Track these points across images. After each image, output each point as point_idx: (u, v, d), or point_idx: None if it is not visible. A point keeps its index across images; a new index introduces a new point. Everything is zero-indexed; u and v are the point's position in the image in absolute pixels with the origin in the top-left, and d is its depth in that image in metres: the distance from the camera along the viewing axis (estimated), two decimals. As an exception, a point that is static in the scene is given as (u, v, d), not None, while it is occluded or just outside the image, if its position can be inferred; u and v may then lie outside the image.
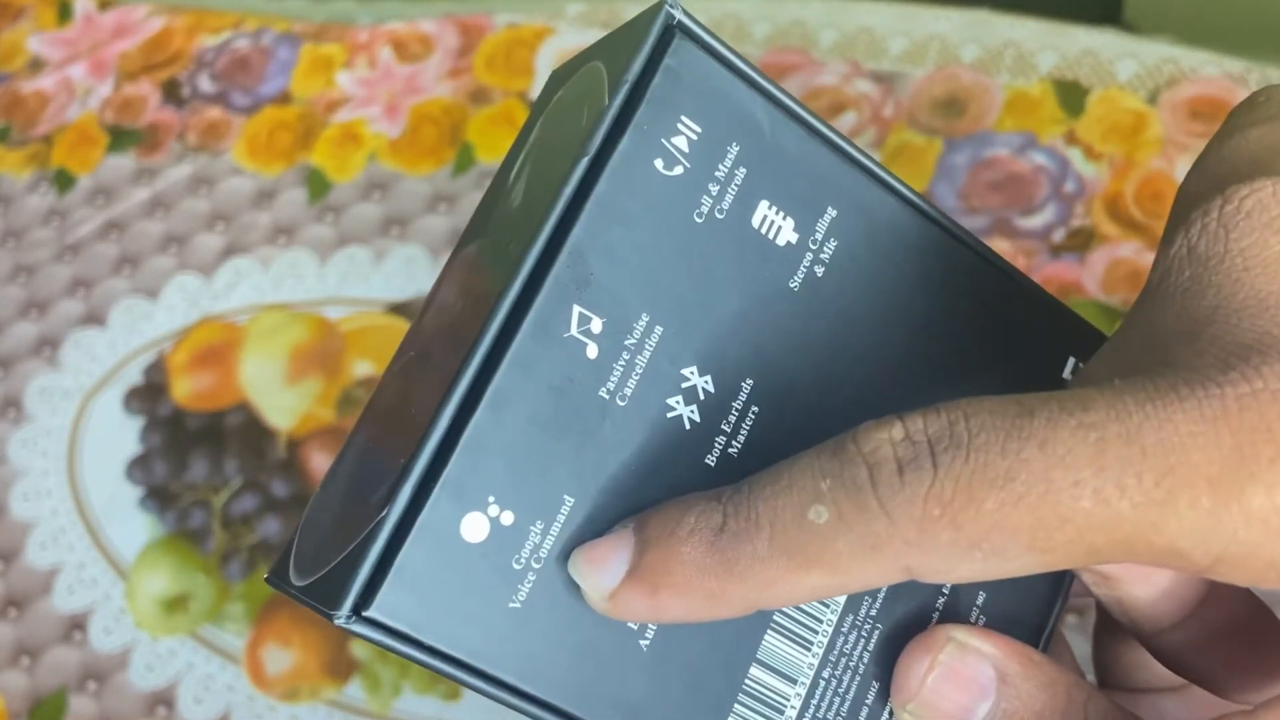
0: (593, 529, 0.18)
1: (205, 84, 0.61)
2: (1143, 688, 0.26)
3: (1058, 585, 0.23)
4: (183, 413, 0.52)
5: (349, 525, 0.18)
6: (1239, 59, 0.49)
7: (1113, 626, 0.25)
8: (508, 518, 0.17)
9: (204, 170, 0.58)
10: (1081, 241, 0.46)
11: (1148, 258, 0.46)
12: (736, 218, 0.19)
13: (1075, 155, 0.48)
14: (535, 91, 0.56)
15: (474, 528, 0.17)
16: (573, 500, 0.18)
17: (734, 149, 0.19)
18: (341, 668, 0.46)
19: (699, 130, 0.19)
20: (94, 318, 0.55)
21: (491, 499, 0.17)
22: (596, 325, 0.18)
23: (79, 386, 0.54)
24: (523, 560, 0.18)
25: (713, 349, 0.19)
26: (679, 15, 0.19)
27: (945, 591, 0.21)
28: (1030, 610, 0.22)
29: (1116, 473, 0.15)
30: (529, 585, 0.18)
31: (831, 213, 0.20)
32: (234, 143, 0.59)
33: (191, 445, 0.51)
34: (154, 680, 0.47)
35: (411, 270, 0.53)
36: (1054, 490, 0.16)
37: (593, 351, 0.18)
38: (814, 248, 0.20)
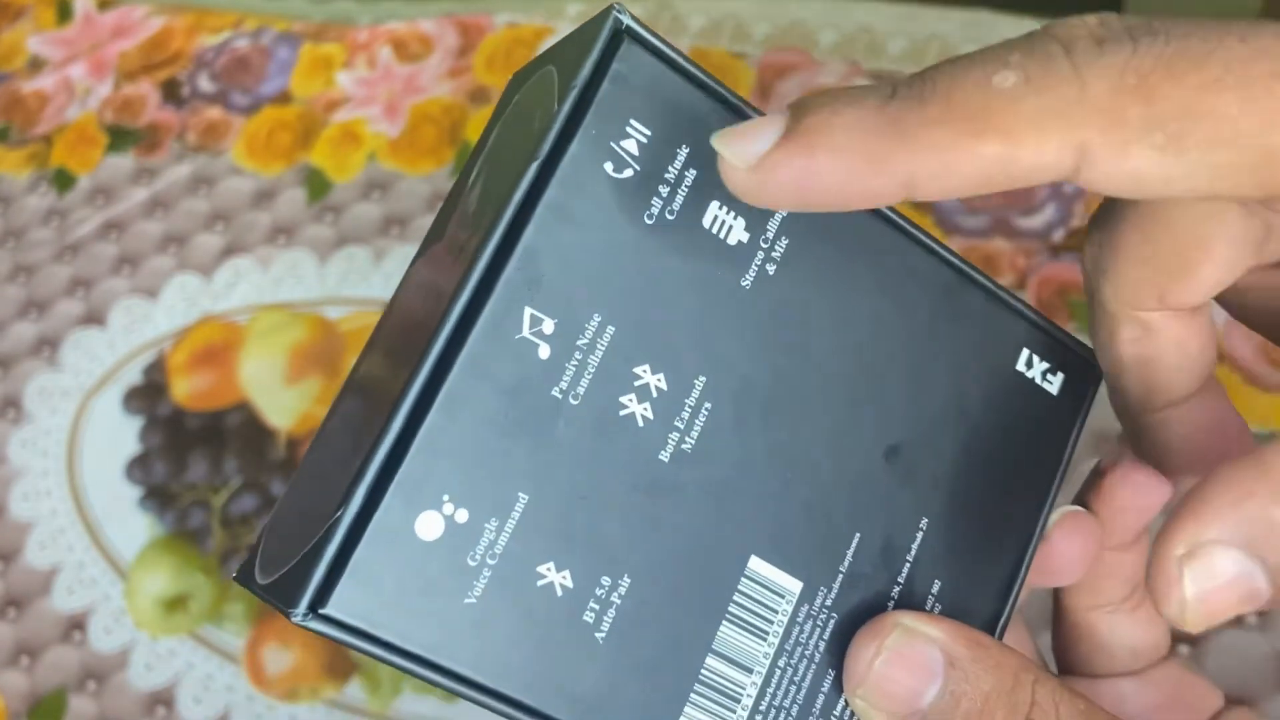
0: (547, 525, 0.18)
1: (205, 84, 0.61)
2: (1102, 673, 0.26)
3: (1014, 574, 0.23)
4: (182, 412, 0.52)
5: (309, 524, 0.18)
6: (1238, 59, 0.49)
7: (1073, 618, 0.26)
8: (462, 515, 0.18)
9: (204, 170, 0.58)
10: (1081, 241, 0.46)
11: (1147, 257, 0.46)
12: (687, 218, 0.20)
13: (1075, 155, 0.48)
14: (535, 91, 0.56)
15: (428, 526, 0.18)
16: (527, 497, 0.18)
17: (684, 151, 0.19)
18: (341, 668, 0.46)
19: (648, 133, 0.19)
20: (94, 318, 0.56)
21: (446, 497, 0.18)
22: (548, 326, 0.18)
23: (79, 386, 0.54)
24: (478, 557, 0.18)
25: (665, 348, 0.19)
26: (627, 20, 0.19)
27: (900, 581, 0.22)
28: (985, 600, 0.23)
29: None
30: (484, 581, 0.18)
31: (782, 211, 0.20)
32: (234, 143, 0.59)
33: (191, 445, 0.51)
34: (153, 680, 0.47)
35: (411, 270, 0.53)
36: (1253, 79, 0.15)
37: (545, 352, 0.18)
38: (765, 246, 0.20)
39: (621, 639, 0.19)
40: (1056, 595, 0.26)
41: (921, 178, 0.16)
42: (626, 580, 0.19)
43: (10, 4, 0.67)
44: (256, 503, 0.50)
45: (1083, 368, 0.24)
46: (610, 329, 0.19)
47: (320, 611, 0.17)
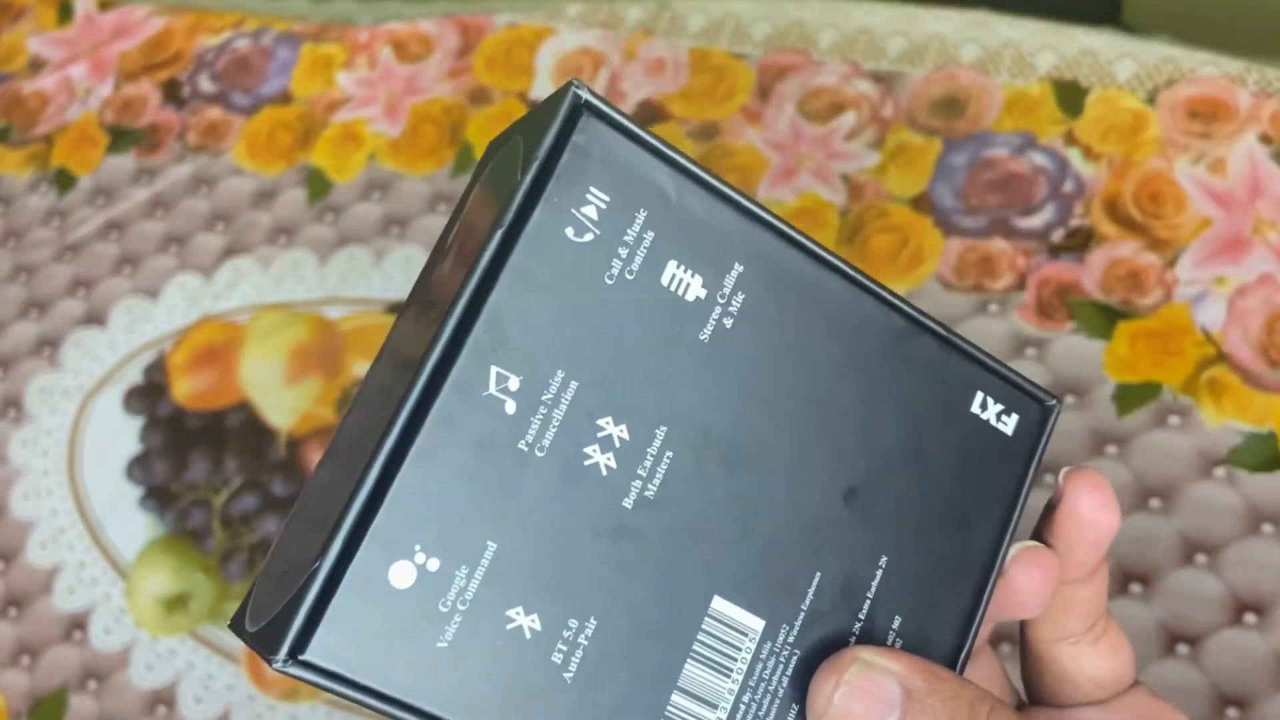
0: (516, 571, 0.19)
1: (205, 84, 0.61)
2: (1068, 703, 0.27)
3: (974, 609, 0.24)
4: (183, 412, 0.52)
5: (291, 575, 0.19)
6: (1238, 59, 0.49)
7: (1037, 650, 0.27)
8: (433, 564, 0.19)
9: (204, 170, 0.58)
10: (1080, 241, 0.46)
11: (1146, 258, 0.46)
12: (646, 277, 0.21)
13: (1074, 155, 0.48)
14: (535, 91, 0.56)
15: (401, 575, 0.19)
16: (495, 545, 0.19)
17: (641, 214, 0.21)
18: (341, 667, 0.46)
19: (607, 199, 0.20)
20: (94, 317, 0.56)
21: (418, 547, 0.19)
22: (514, 383, 0.20)
23: (79, 386, 0.54)
24: (449, 603, 0.19)
25: (627, 400, 0.20)
26: (585, 95, 0.20)
27: (861, 617, 0.23)
28: (946, 634, 0.24)
29: None
30: (455, 625, 0.19)
31: (738, 268, 0.22)
32: (234, 143, 0.59)
33: (191, 445, 0.51)
34: (154, 679, 0.47)
35: (411, 270, 0.53)
36: None
37: (511, 407, 0.20)
38: (722, 301, 0.21)
39: (589, 678, 0.20)
40: (1022, 629, 0.27)
41: None
42: (593, 622, 0.20)
43: (11, 4, 0.67)
44: (256, 502, 0.50)
45: (1036, 408, 0.25)
46: (574, 384, 0.20)
47: (300, 658, 0.18)
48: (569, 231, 0.20)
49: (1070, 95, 0.50)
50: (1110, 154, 0.48)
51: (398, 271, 0.53)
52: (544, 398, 0.20)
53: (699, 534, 0.21)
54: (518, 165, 0.20)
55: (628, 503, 0.20)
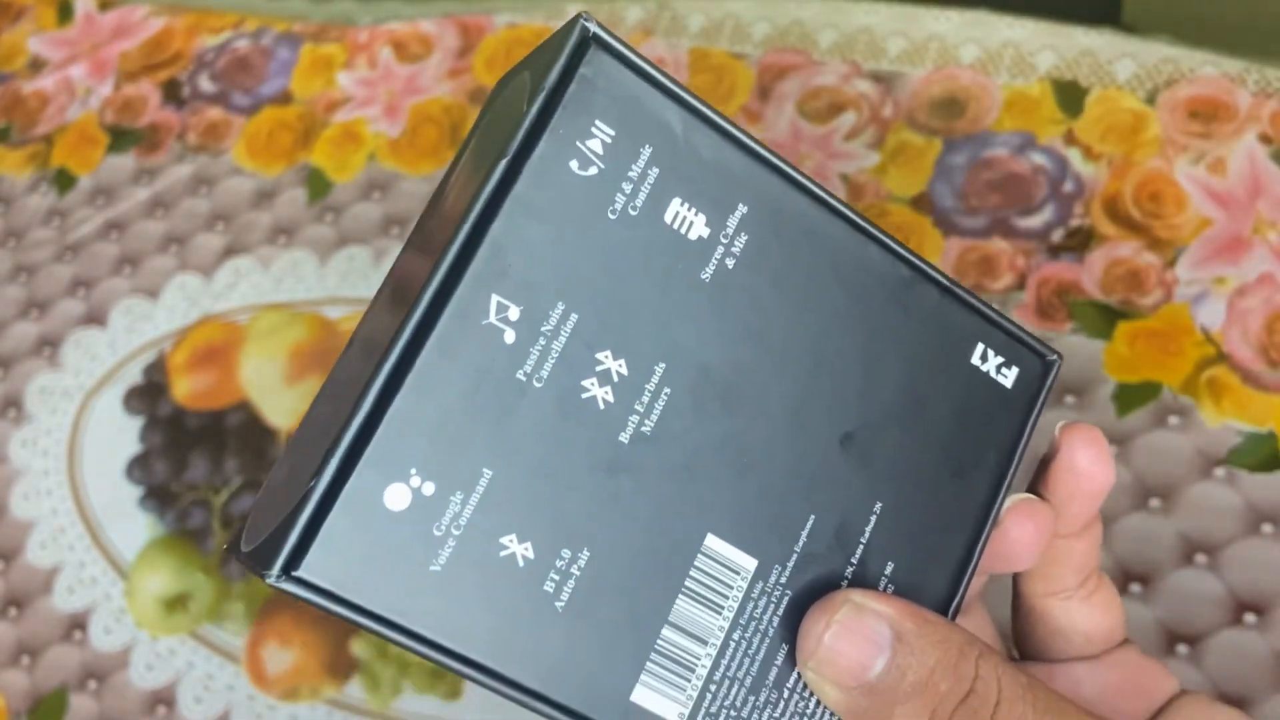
0: (510, 499, 0.20)
1: (205, 84, 0.61)
2: (1058, 658, 0.27)
3: (967, 559, 0.24)
4: (183, 412, 0.52)
5: (288, 495, 0.19)
6: (1237, 59, 0.49)
7: (1029, 604, 0.27)
8: (429, 488, 0.19)
9: (204, 170, 0.58)
10: (1080, 241, 0.46)
11: (1146, 257, 0.46)
12: (649, 214, 0.21)
13: (1074, 155, 0.48)
14: (535, 91, 0.56)
15: (396, 497, 0.19)
16: (491, 473, 0.19)
17: (647, 151, 0.21)
18: (341, 667, 0.46)
19: (613, 134, 0.20)
20: (94, 317, 0.56)
21: (414, 471, 0.19)
22: (514, 313, 0.20)
23: (79, 386, 0.54)
24: (443, 527, 0.19)
25: (626, 335, 0.21)
26: (594, 28, 0.20)
27: (854, 562, 0.23)
28: (938, 583, 0.24)
29: None
30: (449, 550, 0.19)
31: (742, 209, 0.22)
32: (234, 143, 0.59)
33: (191, 445, 0.51)
34: (154, 679, 0.47)
35: (411, 270, 0.53)
36: None
37: (510, 337, 0.20)
38: (725, 242, 0.21)
39: (580, 608, 0.20)
40: (1015, 582, 0.27)
41: None
42: (586, 553, 0.20)
43: (11, 4, 0.67)
44: (257, 502, 0.50)
45: (1037, 362, 0.25)
46: (574, 317, 0.20)
47: (293, 574, 0.18)
48: (573, 164, 0.20)
49: (1070, 95, 0.50)
50: (1110, 154, 0.48)
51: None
52: (543, 329, 0.20)
53: (694, 472, 0.21)
54: (524, 97, 0.20)
55: (624, 437, 0.20)
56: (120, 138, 0.60)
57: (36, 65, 0.64)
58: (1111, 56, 0.50)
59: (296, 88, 0.59)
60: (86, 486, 0.52)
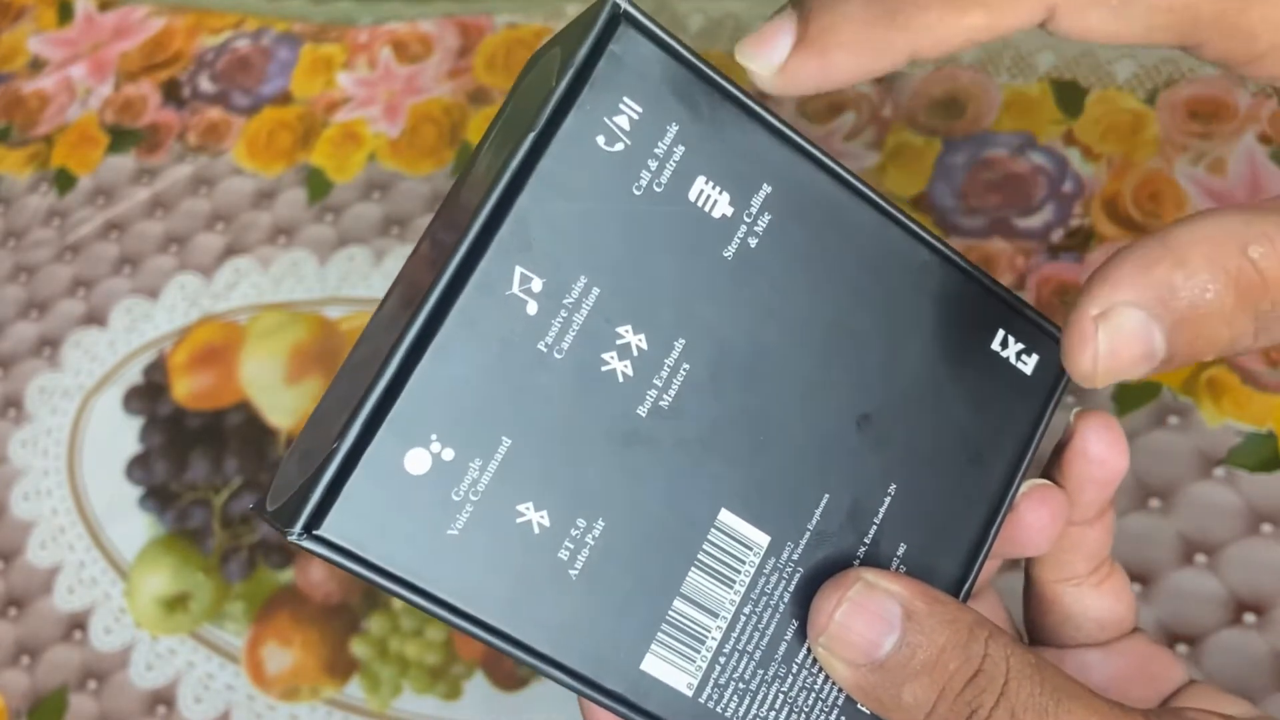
0: (528, 467, 0.20)
1: (205, 84, 0.61)
2: (1069, 644, 0.27)
3: (980, 543, 0.24)
4: (183, 412, 0.52)
5: (311, 458, 0.20)
6: (1237, 59, 0.49)
7: (1041, 590, 0.27)
8: (448, 454, 0.19)
9: (204, 170, 0.58)
10: (1080, 241, 0.47)
11: (1146, 258, 0.46)
12: (674, 191, 0.21)
13: (1074, 155, 0.48)
14: (535, 92, 0.56)
15: (416, 461, 0.19)
16: (510, 441, 0.20)
17: (673, 128, 0.21)
18: (341, 667, 0.46)
19: (640, 110, 0.20)
20: (94, 317, 0.56)
21: (434, 437, 0.19)
22: (537, 285, 0.20)
23: (79, 386, 0.54)
24: (461, 492, 0.19)
25: (647, 310, 0.21)
26: (625, 5, 0.21)
27: (867, 542, 0.23)
28: (951, 565, 0.24)
29: None
30: (467, 515, 0.19)
31: (766, 189, 0.22)
32: (234, 143, 0.59)
33: (191, 445, 0.51)
34: (154, 679, 0.47)
35: (411, 270, 0.53)
36: None
37: (532, 308, 0.20)
38: (748, 221, 0.22)
39: (593, 577, 0.20)
40: (1027, 568, 0.28)
41: (920, 51, 0.20)
42: (601, 523, 0.20)
43: (11, 4, 0.67)
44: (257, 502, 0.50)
45: (1057, 349, 0.25)
46: (595, 290, 0.20)
47: (314, 533, 0.19)
48: (600, 140, 0.20)
49: (1070, 95, 0.50)
50: (1110, 154, 0.48)
51: (398, 271, 0.54)
52: (565, 301, 0.20)
53: (710, 447, 0.21)
54: (554, 73, 0.20)
55: (642, 411, 0.21)
56: (120, 138, 0.60)
57: (37, 65, 0.64)
58: (1111, 56, 0.50)
59: (296, 88, 0.59)
60: (86, 486, 0.52)
